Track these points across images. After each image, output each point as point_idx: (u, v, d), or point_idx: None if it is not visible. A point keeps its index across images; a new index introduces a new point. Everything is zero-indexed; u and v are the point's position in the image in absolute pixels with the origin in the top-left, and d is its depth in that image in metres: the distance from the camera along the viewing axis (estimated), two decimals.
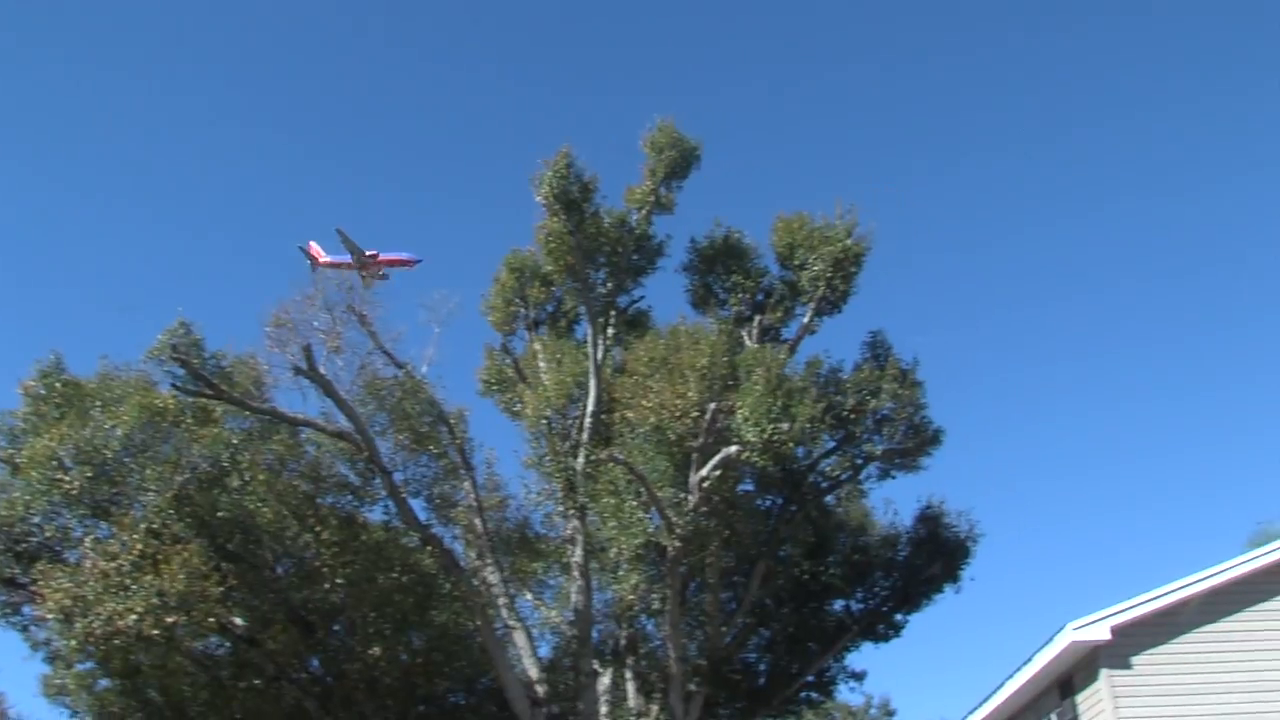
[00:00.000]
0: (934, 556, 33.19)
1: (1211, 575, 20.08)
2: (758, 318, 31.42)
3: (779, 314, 31.55)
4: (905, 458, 31.44)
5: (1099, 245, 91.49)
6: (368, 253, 52.11)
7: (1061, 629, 19.39)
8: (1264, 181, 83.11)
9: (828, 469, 31.81)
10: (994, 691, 21.96)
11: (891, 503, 35.58)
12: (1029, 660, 20.54)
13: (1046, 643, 19.91)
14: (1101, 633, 19.12)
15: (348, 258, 53.89)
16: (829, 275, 30.54)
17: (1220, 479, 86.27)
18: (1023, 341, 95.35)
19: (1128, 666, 19.31)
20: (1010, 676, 21.28)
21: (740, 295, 31.61)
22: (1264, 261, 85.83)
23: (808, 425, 26.40)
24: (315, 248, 53.05)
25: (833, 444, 30.92)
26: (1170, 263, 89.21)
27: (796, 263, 31.18)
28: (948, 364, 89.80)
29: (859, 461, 31.43)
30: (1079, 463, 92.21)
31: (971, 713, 23.51)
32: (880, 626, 33.86)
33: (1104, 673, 19.24)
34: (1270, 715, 19.22)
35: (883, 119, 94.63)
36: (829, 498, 33.41)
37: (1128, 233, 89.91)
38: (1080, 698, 19.99)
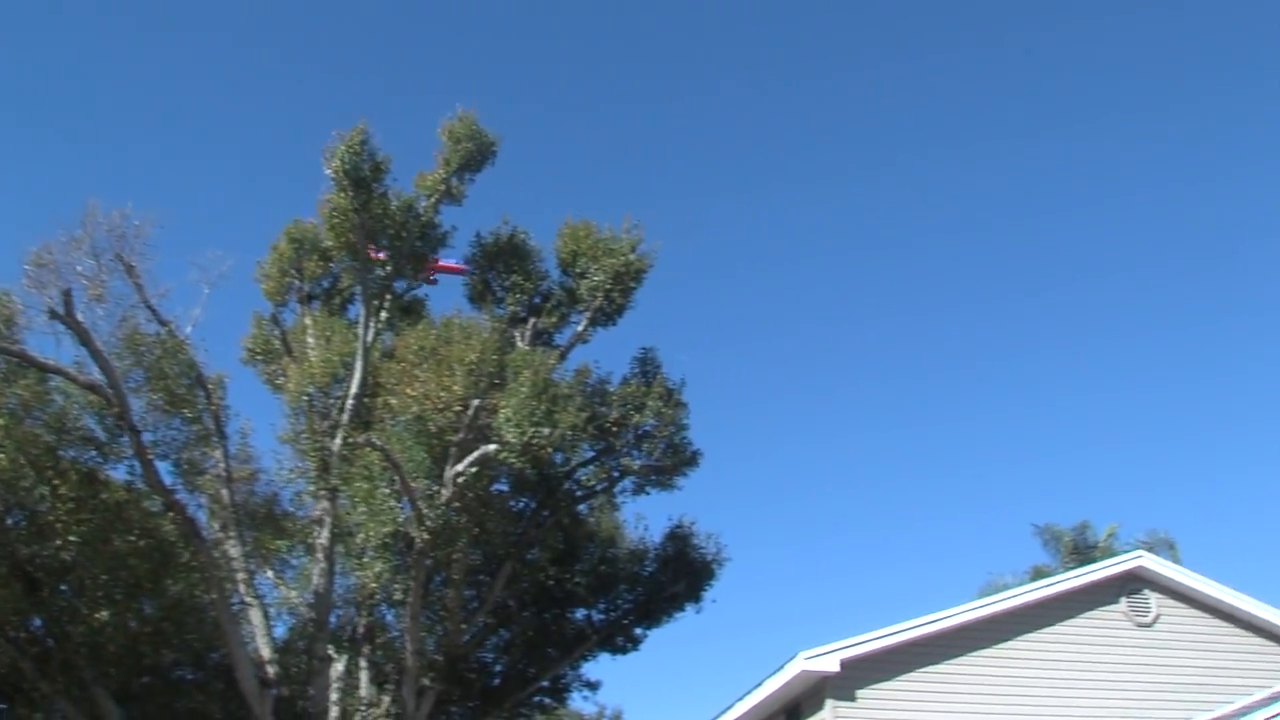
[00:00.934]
0: (679, 575, 33.71)
1: (940, 619, 20.81)
2: (532, 320, 31.44)
3: (554, 319, 31.65)
4: (661, 475, 31.84)
5: (862, 277, 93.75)
6: None
7: (793, 657, 19.78)
8: (1022, 229, 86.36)
9: (584, 478, 32.03)
10: (722, 712, 22.25)
11: (643, 518, 36.03)
12: (759, 685, 20.87)
13: (778, 669, 20.28)
14: (831, 664, 19.56)
15: None
16: (608, 287, 30.75)
17: (957, 528, 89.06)
18: (782, 368, 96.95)
19: (852, 699, 19.79)
20: (740, 699, 21.58)
21: (518, 296, 31.56)
22: (1017, 307, 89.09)
23: (569, 432, 26.53)
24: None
25: (592, 454, 31.14)
26: (928, 297, 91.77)
27: (578, 271, 31.33)
28: (712, 385, 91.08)
29: (616, 474, 31.75)
30: (829, 497, 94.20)
31: None
32: (619, 638, 34.21)
33: (829, 703, 19.67)
34: None
35: (681, 141, 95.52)
36: (582, 507, 33.66)
37: (888, 266, 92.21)
38: None
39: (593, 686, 35.81)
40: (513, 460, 26.03)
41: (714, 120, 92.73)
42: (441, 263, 32.02)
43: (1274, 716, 18.55)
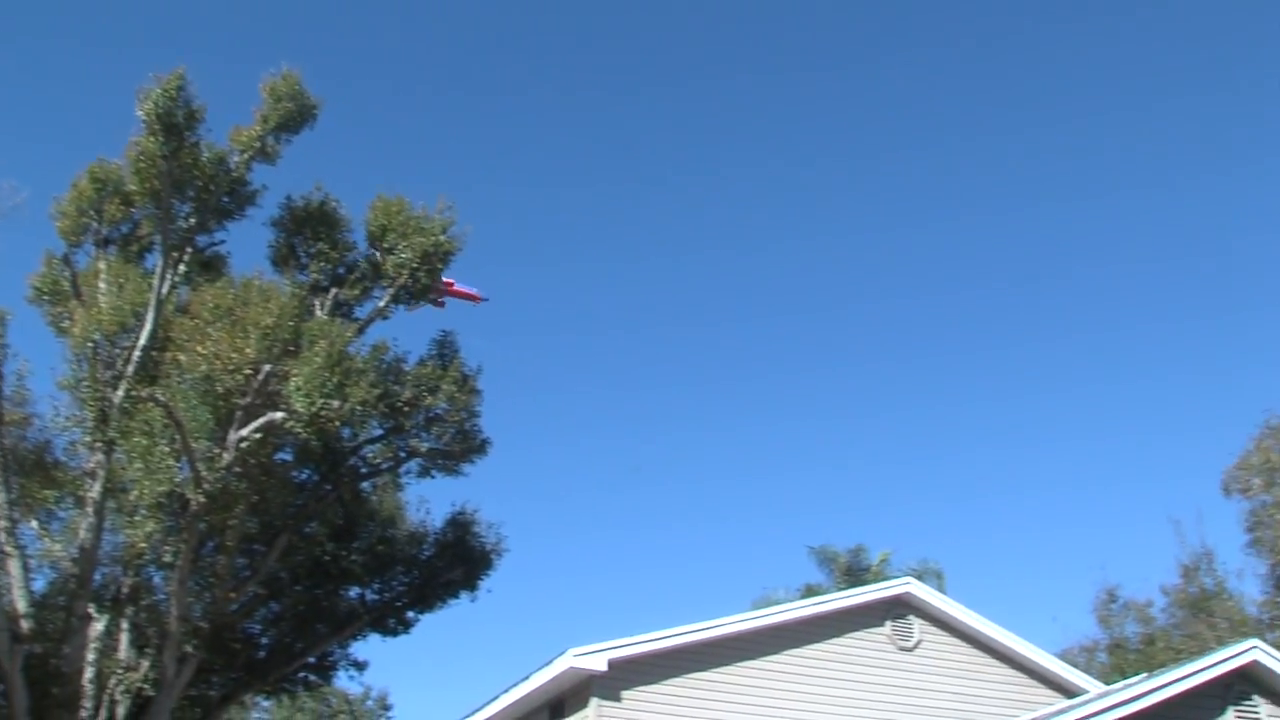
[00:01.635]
0: (456, 561, 33.61)
1: (711, 627, 21.13)
2: (334, 290, 30.83)
3: (357, 292, 31.06)
4: (449, 460, 31.66)
5: (659, 281, 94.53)
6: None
7: (562, 653, 19.83)
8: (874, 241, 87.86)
9: (370, 455, 31.75)
10: (487, 703, 22.20)
11: (426, 501, 35.85)
12: (526, 678, 20.90)
13: (546, 664, 20.32)
14: (599, 663, 19.70)
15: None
16: (414, 265, 30.34)
17: (735, 540, 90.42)
18: (577, 365, 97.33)
19: (617, 699, 19.96)
20: (506, 691, 21.56)
21: (322, 264, 30.86)
22: (818, 324, 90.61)
23: (359, 407, 26.18)
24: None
25: (380, 432, 30.86)
26: (721, 307, 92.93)
27: (385, 245, 30.84)
28: (509, 375, 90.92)
29: (403, 454, 31.49)
30: (617, 496, 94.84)
31: None
32: (391, 620, 33.95)
33: (594, 702, 19.80)
34: None
35: (505, 130, 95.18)
36: (366, 484, 33.34)
37: (682, 272, 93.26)
38: None
39: (360, 666, 35.52)
40: (299, 430, 25.61)
41: (540, 113, 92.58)
42: (456, 287, 31.47)
43: None
